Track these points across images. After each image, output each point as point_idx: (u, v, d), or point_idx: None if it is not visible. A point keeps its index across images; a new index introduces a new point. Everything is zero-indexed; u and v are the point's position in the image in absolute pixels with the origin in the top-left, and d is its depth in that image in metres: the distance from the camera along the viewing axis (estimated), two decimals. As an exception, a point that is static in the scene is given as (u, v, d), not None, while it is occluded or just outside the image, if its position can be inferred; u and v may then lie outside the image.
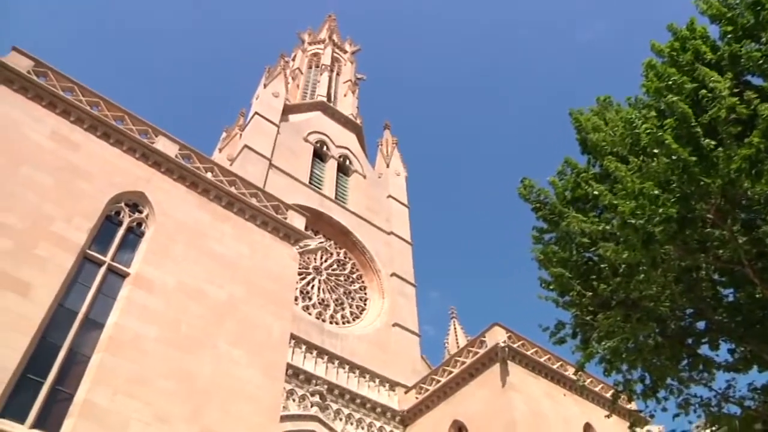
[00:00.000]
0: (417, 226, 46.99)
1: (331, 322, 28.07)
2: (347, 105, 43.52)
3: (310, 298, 28.30)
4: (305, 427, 22.16)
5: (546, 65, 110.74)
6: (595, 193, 10.83)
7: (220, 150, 42.23)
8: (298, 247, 19.75)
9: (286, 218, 20.02)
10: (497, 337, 23.04)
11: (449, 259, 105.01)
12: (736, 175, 8.85)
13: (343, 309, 29.54)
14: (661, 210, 9.26)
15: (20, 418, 11.51)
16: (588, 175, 11.92)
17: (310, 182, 33.36)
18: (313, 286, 29.07)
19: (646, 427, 17.82)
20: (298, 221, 20.50)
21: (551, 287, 12.19)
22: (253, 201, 19.35)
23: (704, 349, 11.41)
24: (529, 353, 23.49)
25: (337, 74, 47.43)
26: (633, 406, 18.21)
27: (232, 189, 18.93)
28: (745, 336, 10.67)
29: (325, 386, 23.82)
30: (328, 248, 30.98)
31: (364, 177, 37.83)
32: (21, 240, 13.18)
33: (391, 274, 32.36)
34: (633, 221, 9.54)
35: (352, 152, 38.72)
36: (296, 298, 26.43)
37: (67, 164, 15.26)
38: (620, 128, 10.78)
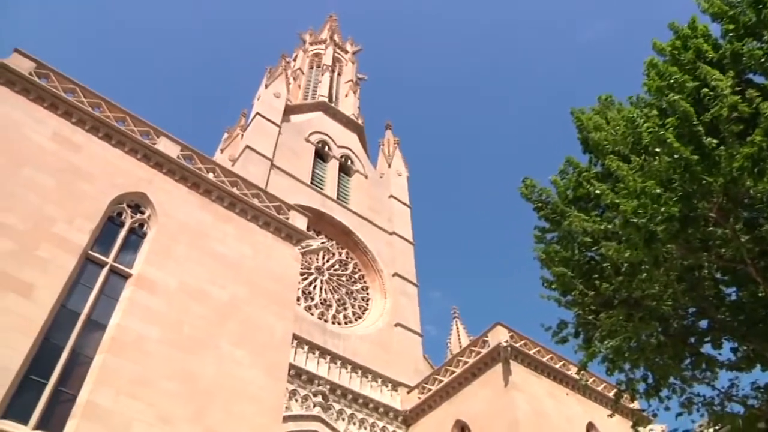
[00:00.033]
0: (419, 226, 46.93)
1: (333, 323, 28.09)
2: (348, 105, 43.52)
3: (312, 299, 28.32)
4: (308, 427, 22.19)
5: (547, 65, 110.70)
6: (597, 192, 10.80)
7: (222, 150, 42.20)
8: (300, 247, 19.76)
9: (288, 219, 20.04)
10: (499, 336, 23.02)
11: (451, 259, 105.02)
12: (738, 174, 8.82)
13: (345, 309, 29.55)
14: (663, 209, 9.24)
15: (23, 419, 11.52)
16: (590, 175, 11.89)
17: (311, 182, 33.38)
18: (315, 286, 29.08)
19: (649, 427, 17.83)
20: (300, 221, 20.51)
21: (553, 287, 12.19)
22: (255, 201, 19.35)
23: (707, 348, 11.40)
24: (531, 353, 23.47)
25: (339, 74, 47.45)
26: (636, 405, 18.18)
27: (234, 190, 18.94)
28: (747, 335, 10.65)
29: (328, 386, 23.84)
30: (330, 248, 31.00)
31: (366, 177, 37.83)
32: (23, 241, 13.19)
33: (393, 274, 32.36)
34: (635, 220, 9.52)
35: (353, 152, 38.72)
36: (298, 299, 26.46)
37: (68, 165, 15.27)
38: (622, 127, 10.76)
